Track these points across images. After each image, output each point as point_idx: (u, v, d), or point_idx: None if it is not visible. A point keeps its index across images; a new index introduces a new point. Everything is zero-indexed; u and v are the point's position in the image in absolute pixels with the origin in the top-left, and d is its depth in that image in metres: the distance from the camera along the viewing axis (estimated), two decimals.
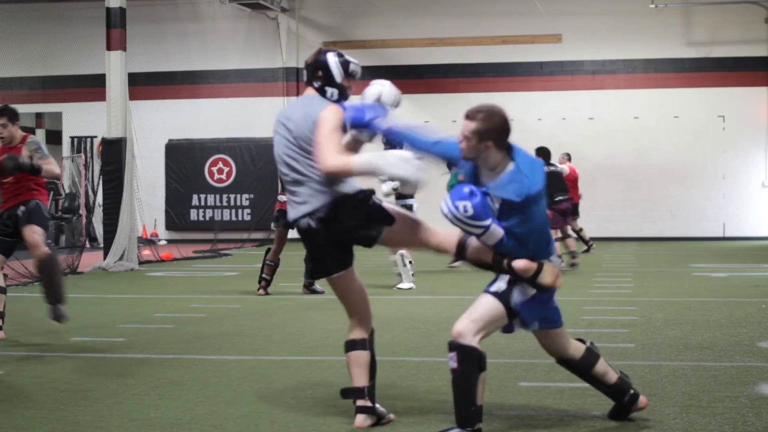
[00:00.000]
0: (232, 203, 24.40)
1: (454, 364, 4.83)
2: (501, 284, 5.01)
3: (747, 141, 22.87)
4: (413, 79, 23.60)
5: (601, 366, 5.28)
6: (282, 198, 12.07)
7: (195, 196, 24.54)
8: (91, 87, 20.87)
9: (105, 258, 16.18)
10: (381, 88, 5.40)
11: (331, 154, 4.98)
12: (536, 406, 5.67)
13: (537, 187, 4.92)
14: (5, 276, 8.85)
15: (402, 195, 12.19)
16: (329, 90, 5.26)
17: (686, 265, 15.88)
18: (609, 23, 23.09)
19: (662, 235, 22.96)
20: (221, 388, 6.28)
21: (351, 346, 5.22)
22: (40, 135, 27.78)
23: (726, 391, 5.99)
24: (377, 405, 5.24)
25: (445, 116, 23.65)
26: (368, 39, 23.93)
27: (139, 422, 5.37)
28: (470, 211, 4.80)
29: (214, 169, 24.44)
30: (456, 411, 4.85)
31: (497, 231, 4.86)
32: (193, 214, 24.58)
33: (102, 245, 16.88)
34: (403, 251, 12.27)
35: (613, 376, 5.29)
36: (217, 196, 24.45)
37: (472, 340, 4.84)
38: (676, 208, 23.12)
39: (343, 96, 5.29)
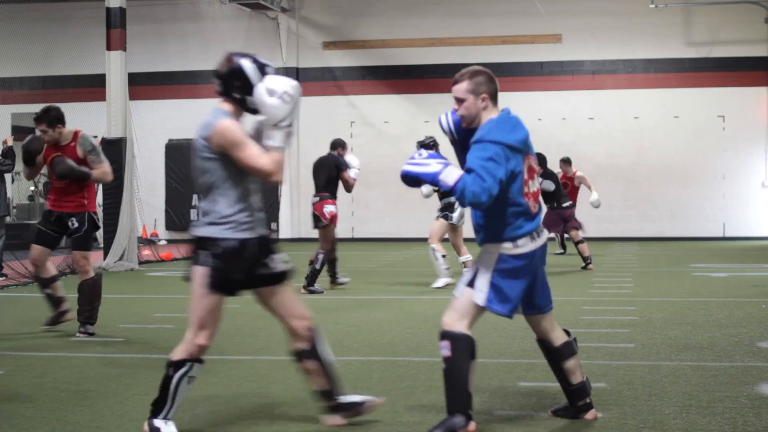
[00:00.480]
0: None
1: (447, 353, 4.97)
2: (469, 275, 5.09)
3: (747, 141, 22.86)
4: (413, 79, 23.61)
5: (573, 363, 5.30)
6: (315, 199, 12.10)
7: (195, 196, 24.49)
8: (91, 87, 20.85)
9: (105, 258, 16.17)
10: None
11: (266, 168, 4.79)
12: (536, 406, 5.67)
13: (499, 136, 4.93)
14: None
15: (445, 194, 12.11)
16: (250, 99, 4.98)
17: (686, 265, 15.88)
18: (609, 23, 23.08)
19: (662, 235, 22.96)
20: (221, 388, 6.28)
21: (294, 356, 5.24)
22: None
23: (726, 391, 5.99)
24: (350, 396, 5.27)
25: None
26: (368, 39, 23.93)
27: (139, 422, 5.36)
28: (425, 154, 5.01)
29: None
30: (447, 398, 4.98)
31: (453, 169, 4.93)
32: (193, 214, 24.54)
33: (102, 245, 16.88)
34: (434, 245, 12.22)
35: (578, 378, 5.31)
36: None
37: (461, 328, 4.97)
38: (676, 208, 23.11)
39: None
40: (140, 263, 16.71)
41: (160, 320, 9.70)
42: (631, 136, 23.13)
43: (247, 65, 4.98)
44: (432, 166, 4.95)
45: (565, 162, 17.90)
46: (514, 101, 23.10)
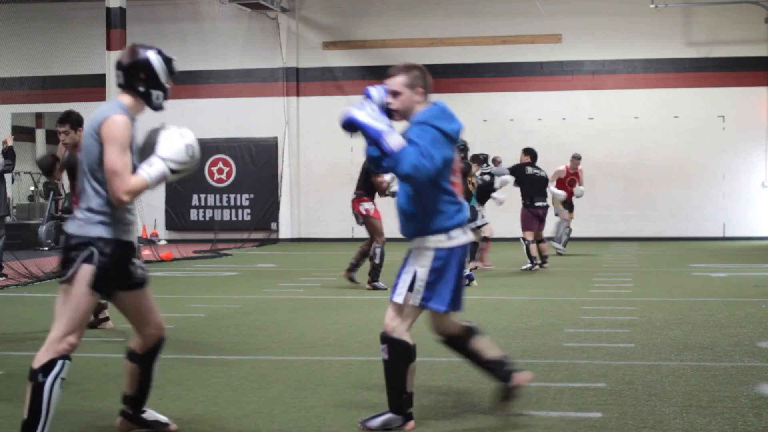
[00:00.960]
0: (232, 203, 24.41)
1: (385, 356, 5.12)
2: (408, 278, 5.14)
3: (747, 141, 22.85)
4: None
5: (482, 340, 5.36)
6: (353, 197, 12.38)
7: (195, 196, 24.53)
8: (91, 87, 20.85)
9: None
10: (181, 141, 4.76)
11: (127, 182, 4.56)
12: (536, 406, 5.67)
13: (441, 124, 5.08)
14: None
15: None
16: (155, 93, 4.80)
17: (686, 265, 15.88)
18: (609, 23, 23.07)
19: (662, 235, 22.95)
20: (221, 388, 6.28)
21: (128, 353, 5.09)
22: (40, 135, 27.79)
23: (726, 391, 5.99)
24: (157, 414, 5.15)
25: None
26: (368, 39, 23.92)
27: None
28: (376, 109, 5.06)
29: (214, 169, 24.44)
30: (389, 398, 5.15)
31: (398, 136, 5.01)
32: (193, 214, 24.58)
33: None
34: None
35: (496, 352, 5.38)
36: (217, 196, 24.45)
37: (401, 333, 5.10)
38: (676, 208, 23.11)
39: (166, 98, 4.88)
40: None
41: None
42: (631, 136, 23.12)
43: (153, 57, 4.77)
44: (381, 123, 5.01)
45: (577, 158, 18.07)
46: (514, 101, 23.28)
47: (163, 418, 5.17)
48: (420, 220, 5.13)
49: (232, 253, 20.41)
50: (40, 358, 4.59)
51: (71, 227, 4.71)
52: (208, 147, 24.38)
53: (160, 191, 24.29)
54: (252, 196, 24.30)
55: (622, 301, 10.86)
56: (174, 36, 23.98)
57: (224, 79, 24.14)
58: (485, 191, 14.95)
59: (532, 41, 23.29)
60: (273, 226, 24.08)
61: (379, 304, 10.77)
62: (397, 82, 5.16)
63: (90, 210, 4.68)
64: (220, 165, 24.41)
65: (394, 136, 4.99)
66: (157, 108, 4.85)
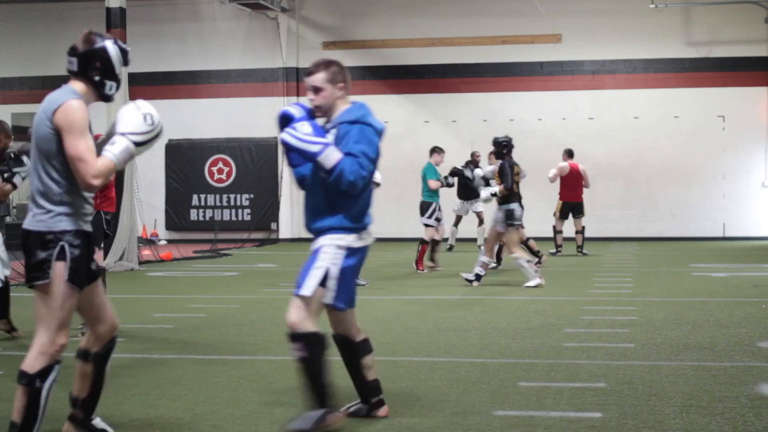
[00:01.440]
0: (232, 203, 24.41)
1: (304, 354, 5.07)
2: (320, 274, 5.13)
3: (747, 141, 22.85)
4: (413, 79, 23.59)
5: (371, 359, 5.38)
6: None
7: (195, 196, 24.54)
8: None
9: (105, 258, 16.10)
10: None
11: (93, 166, 4.45)
12: (536, 406, 5.67)
13: (373, 121, 5.13)
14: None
15: (505, 199, 12.42)
16: (109, 83, 4.69)
17: (686, 265, 15.88)
18: (609, 23, 23.07)
19: (662, 235, 22.96)
20: (221, 388, 6.28)
21: (81, 354, 4.94)
22: None
23: (726, 391, 5.99)
24: (97, 422, 5.03)
25: (445, 116, 23.65)
26: (368, 39, 23.92)
27: (139, 422, 5.38)
28: (308, 128, 5.04)
29: (214, 169, 24.44)
30: (312, 394, 5.07)
31: (335, 151, 5.01)
32: (193, 214, 24.58)
33: (102, 245, 16.89)
34: (515, 254, 12.37)
35: (374, 374, 5.38)
36: (217, 196, 24.45)
37: (310, 326, 5.10)
38: (676, 208, 23.11)
39: (118, 89, 4.76)
40: (140, 263, 16.71)
41: (160, 320, 9.70)
42: (631, 136, 23.13)
43: (110, 47, 4.69)
44: (314, 146, 4.99)
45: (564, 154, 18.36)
46: (514, 101, 23.27)
47: (110, 430, 5.04)
48: (337, 214, 5.13)
49: (232, 253, 20.41)
50: (34, 364, 4.54)
51: (30, 223, 4.60)
52: (208, 147, 24.42)
53: (160, 191, 24.31)
54: (252, 196, 24.30)
55: (622, 301, 10.86)
56: (174, 36, 23.99)
57: (224, 79, 24.14)
58: (469, 187, 14.75)
59: (532, 41, 23.29)
60: (273, 226, 24.08)
61: (379, 304, 10.78)
62: (319, 78, 5.17)
63: (50, 201, 4.57)
64: (220, 165, 24.41)
65: (327, 155, 4.97)
66: (108, 99, 4.76)
